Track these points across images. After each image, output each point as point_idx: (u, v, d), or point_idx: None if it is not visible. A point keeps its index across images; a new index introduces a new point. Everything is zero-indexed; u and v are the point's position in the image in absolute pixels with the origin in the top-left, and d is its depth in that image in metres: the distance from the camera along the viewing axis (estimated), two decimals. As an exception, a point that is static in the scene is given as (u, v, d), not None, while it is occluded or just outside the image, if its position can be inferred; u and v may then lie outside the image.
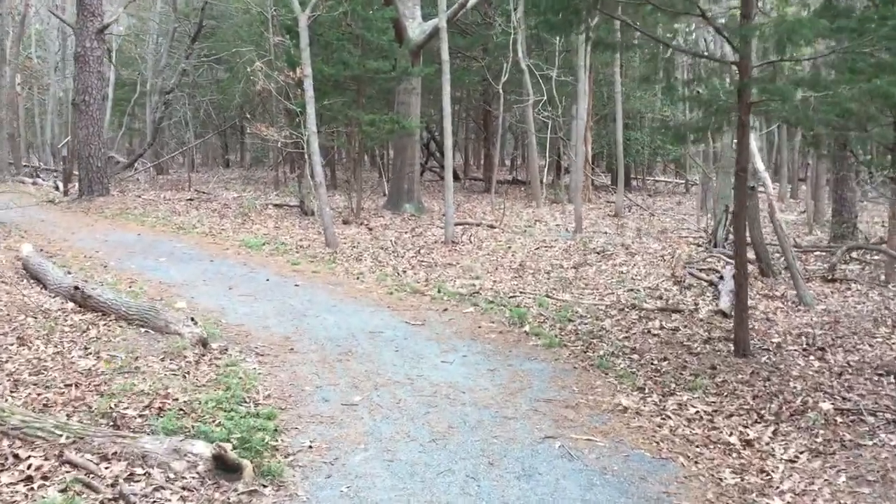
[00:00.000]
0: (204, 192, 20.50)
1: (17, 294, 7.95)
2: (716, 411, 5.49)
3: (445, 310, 8.61)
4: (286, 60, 15.64)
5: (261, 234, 13.92)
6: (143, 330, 6.84)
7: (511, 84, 20.61)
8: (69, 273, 9.28)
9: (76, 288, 7.63)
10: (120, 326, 6.94)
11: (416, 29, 17.41)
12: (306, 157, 13.85)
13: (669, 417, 5.38)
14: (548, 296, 9.37)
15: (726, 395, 5.78)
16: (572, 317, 8.29)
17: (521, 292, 9.60)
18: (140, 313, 7.00)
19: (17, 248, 10.29)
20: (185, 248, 12.14)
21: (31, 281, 8.77)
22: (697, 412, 5.47)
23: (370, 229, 14.97)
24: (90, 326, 6.88)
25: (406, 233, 14.74)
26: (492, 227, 15.76)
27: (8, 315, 7.00)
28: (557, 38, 19.41)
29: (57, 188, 20.79)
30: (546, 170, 21.56)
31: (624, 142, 19.37)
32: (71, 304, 7.61)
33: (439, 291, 9.54)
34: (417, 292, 9.51)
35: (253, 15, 24.29)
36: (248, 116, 20.48)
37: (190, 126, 29.32)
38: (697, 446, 4.94)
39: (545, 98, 19.06)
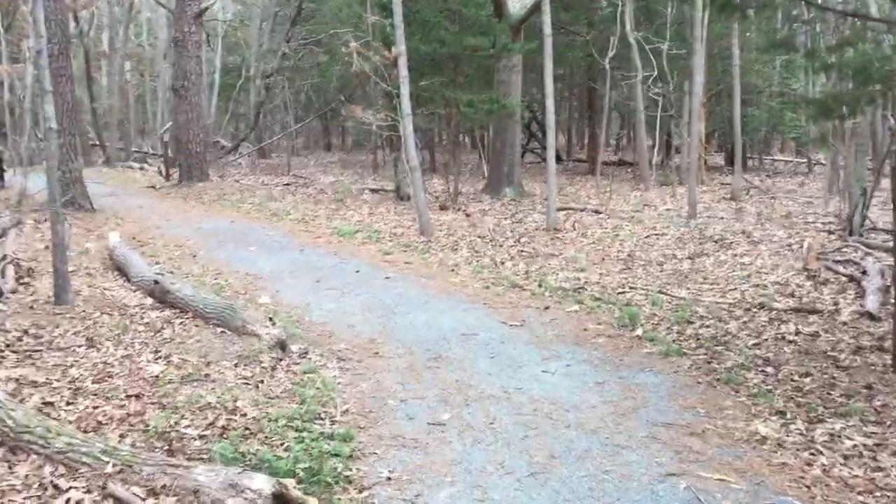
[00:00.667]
0: (302, 177, 20.32)
1: (98, 287, 7.65)
2: (879, 445, 4.51)
3: (547, 308, 7.81)
4: (381, 40, 15.07)
5: (354, 220, 13.45)
6: (219, 330, 6.36)
7: (617, 59, 19.40)
8: (157, 264, 8.99)
9: (156, 282, 7.25)
10: (196, 326, 6.49)
11: (516, 3, 16.52)
12: (402, 139, 13.25)
13: (820, 452, 4.44)
14: (661, 292, 8.42)
15: (889, 425, 4.77)
16: (691, 318, 7.34)
17: (631, 287, 8.69)
18: (217, 312, 6.52)
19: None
20: (277, 237, 11.78)
21: (116, 273, 8.50)
22: (855, 446, 4.50)
23: (468, 215, 14.28)
24: (165, 326, 6.45)
25: (505, 219, 13.97)
26: (597, 212, 14.79)
27: (83, 312, 6.66)
28: (669, 8, 18.08)
29: (161, 174, 21.06)
30: (655, 150, 20.24)
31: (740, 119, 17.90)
32: (150, 300, 7.24)
33: (540, 286, 8.74)
34: (516, 287, 8.75)
35: (351, -5, 23.89)
36: (343, 99, 20.03)
37: (289, 110, 29.33)
38: (860, 493, 4.00)
39: (655, 73, 17.79)
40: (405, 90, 11.62)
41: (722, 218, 14.12)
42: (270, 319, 6.28)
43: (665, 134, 23.59)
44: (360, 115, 14.70)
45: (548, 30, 12.25)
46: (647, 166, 19.97)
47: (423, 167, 21.06)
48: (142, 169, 23.76)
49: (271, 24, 29.68)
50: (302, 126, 32.00)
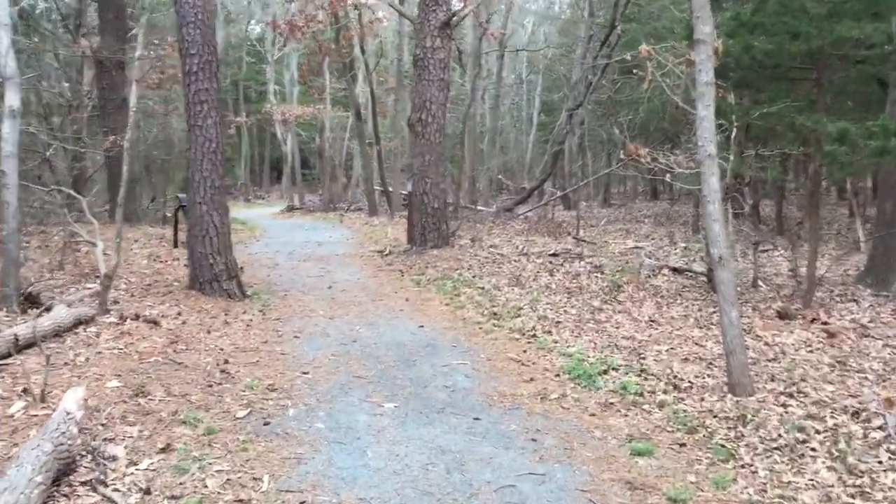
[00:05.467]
0: (585, 241, 15.02)
1: None
2: None
3: None
4: (686, 36, 9.44)
5: (619, 335, 7.89)
6: None
7: None
8: (164, 449, 4.46)
9: None
10: None
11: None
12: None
13: None
14: None
15: None
16: None
17: None
18: None
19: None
20: (464, 372, 6.71)
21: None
22: None
23: (830, 335, 7.93)
24: None
25: (907, 350, 7.42)
26: None
27: None
28: None
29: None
30: None
31: None
32: None
33: None
34: None
35: None
36: (620, 133, 14.54)
37: (587, 150, 24.31)
38: None
39: None
40: (704, 109, 5.92)
41: None
42: None
43: None
44: (642, 156, 9.16)
45: None
46: None
47: (766, 230, 14.65)
48: (413, 222, 20.33)
49: (584, 50, 25.05)
50: (610, 171, 26.69)
